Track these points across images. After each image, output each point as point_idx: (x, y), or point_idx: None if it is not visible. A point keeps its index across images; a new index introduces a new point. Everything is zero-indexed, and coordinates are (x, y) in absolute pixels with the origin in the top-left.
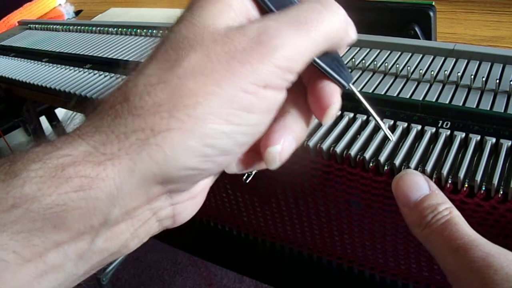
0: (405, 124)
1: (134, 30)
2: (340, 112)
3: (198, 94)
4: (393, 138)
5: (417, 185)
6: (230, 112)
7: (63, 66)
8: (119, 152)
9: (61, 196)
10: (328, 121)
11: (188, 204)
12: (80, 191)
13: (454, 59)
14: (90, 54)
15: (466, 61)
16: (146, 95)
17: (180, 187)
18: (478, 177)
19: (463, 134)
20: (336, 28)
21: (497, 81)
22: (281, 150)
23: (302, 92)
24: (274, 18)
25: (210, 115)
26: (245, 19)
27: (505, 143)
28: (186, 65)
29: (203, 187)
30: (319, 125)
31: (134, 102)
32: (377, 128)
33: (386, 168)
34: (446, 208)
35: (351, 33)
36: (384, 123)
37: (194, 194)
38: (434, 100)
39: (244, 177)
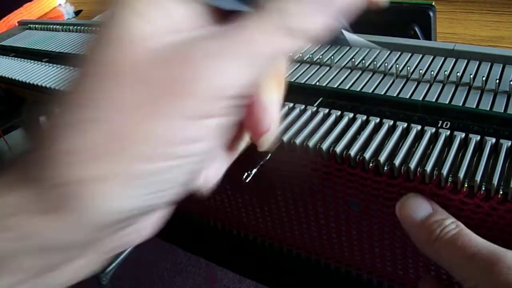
0: (405, 124)
1: None
2: (339, 112)
3: (129, 137)
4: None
5: (420, 206)
6: (169, 150)
7: (63, 66)
8: (51, 204)
9: None
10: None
11: (142, 229)
12: (19, 240)
13: (454, 59)
14: None
15: (466, 61)
16: (71, 138)
17: (128, 224)
18: (478, 177)
19: (463, 134)
20: (267, 51)
21: (497, 81)
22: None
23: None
24: (208, 36)
25: (145, 157)
26: (186, 28)
27: (505, 143)
28: (113, 99)
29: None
30: (319, 125)
31: (59, 145)
32: (377, 128)
33: (386, 168)
34: (452, 222)
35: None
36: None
37: (146, 223)
38: (434, 100)
39: (244, 177)
